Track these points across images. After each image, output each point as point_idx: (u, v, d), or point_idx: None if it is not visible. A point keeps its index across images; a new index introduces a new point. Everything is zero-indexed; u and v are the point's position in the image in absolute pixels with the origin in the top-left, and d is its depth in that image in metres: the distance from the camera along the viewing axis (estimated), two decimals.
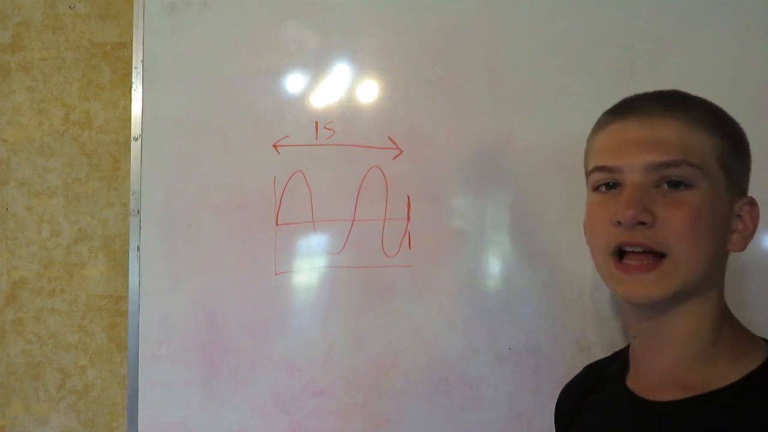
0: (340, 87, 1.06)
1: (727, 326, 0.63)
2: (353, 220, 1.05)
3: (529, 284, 1.00)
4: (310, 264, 1.06)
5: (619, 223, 0.59)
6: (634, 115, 0.61)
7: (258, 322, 1.07)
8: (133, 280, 1.10)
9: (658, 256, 0.59)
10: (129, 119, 1.13)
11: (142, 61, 1.12)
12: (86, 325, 1.24)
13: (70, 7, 1.26)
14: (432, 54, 1.03)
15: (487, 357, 1.00)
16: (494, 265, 1.02)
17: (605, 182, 0.63)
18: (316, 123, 1.06)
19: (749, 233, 0.63)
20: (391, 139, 1.04)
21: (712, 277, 0.62)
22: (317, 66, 1.07)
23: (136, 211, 1.11)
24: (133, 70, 1.12)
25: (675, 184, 0.59)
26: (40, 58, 1.26)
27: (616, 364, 0.72)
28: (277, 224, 1.07)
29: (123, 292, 1.22)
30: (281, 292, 1.07)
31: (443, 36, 1.03)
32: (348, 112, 1.06)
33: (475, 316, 1.01)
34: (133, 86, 1.12)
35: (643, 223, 0.58)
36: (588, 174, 0.65)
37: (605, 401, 0.70)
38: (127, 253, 1.14)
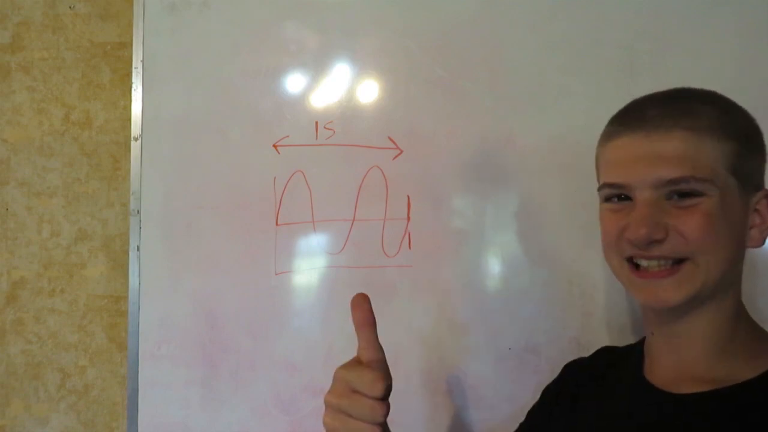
0: (340, 87, 1.06)
1: (744, 323, 0.64)
2: (353, 220, 1.04)
3: (529, 284, 1.00)
4: (310, 264, 1.06)
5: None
6: (642, 129, 0.61)
7: (258, 322, 1.07)
8: (133, 280, 1.10)
9: (677, 260, 0.60)
10: (129, 119, 1.13)
11: (142, 61, 1.12)
12: (86, 325, 1.24)
13: (70, 7, 1.26)
14: (432, 54, 1.03)
15: (487, 357, 1.00)
16: (494, 265, 1.02)
17: (616, 195, 0.64)
18: (316, 123, 1.06)
19: (767, 227, 0.63)
20: (391, 139, 1.04)
21: (730, 277, 0.62)
22: (317, 66, 1.07)
23: (136, 211, 1.11)
24: (133, 70, 1.12)
25: (686, 194, 0.59)
26: (40, 58, 1.27)
27: (633, 355, 0.72)
28: (277, 224, 1.07)
29: (123, 292, 1.22)
30: (281, 292, 1.07)
31: (443, 36, 1.03)
32: (348, 112, 1.06)
33: (475, 316, 1.01)
34: (133, 86, 1.12)
35: (657, 240, 0.59)
36: (599, 188, 0.66)
37: (620, 390, 0.70)
38: (127, 253, 1.14)
